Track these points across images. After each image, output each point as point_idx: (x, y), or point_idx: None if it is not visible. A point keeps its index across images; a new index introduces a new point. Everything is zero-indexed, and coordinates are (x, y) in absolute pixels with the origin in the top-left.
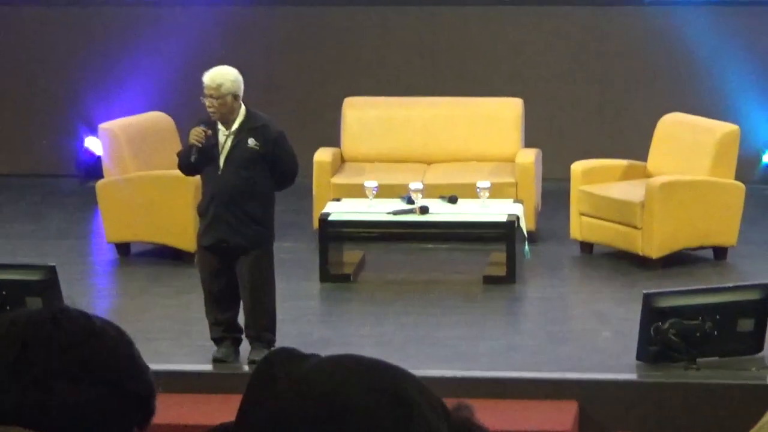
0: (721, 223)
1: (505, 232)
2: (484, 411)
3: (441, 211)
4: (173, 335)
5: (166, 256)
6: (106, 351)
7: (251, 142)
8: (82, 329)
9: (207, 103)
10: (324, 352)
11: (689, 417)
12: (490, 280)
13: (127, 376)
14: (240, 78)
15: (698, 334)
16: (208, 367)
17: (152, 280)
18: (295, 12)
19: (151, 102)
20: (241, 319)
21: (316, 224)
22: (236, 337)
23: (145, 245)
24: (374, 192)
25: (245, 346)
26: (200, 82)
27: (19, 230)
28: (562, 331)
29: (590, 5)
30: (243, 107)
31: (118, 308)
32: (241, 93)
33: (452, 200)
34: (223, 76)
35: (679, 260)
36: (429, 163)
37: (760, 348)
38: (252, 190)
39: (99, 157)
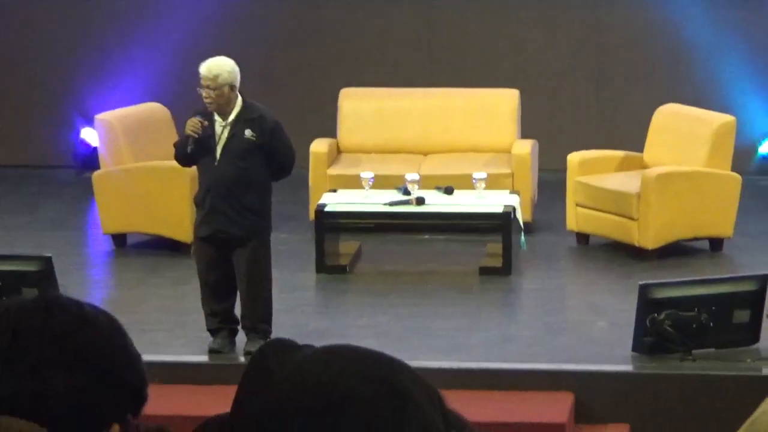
0: (717, 214)
1: (501, 223)
2: (479, 402)
3: (437, 202)
4: (169, 326)
5: (162, 247)
6: (99, 339)
7: (248, 132)
8: (75, 318)
9: (204, 94)
10: (320, 343)
11: (685, 408)
12: (486, 271)
13: (121, 364)
14: (237, 69)
15: (694, 326)
16: (204, 358)
17: (148, 271)
18: (292, 2)
19: (147, 93)
20: (237, 310)
21: (312, 215)
22: (232, 328)
23: (142, 236)
24: (370, 183)
25: (241, 337)
26: (197, 73)
27: (15, 221)
28: (557, 322)
29: None
30: (240, 98)
31: (115, 299)
32: (237, 84)
33: (448, 191)
34: (220, 66)
35: (675, 251)
36: (425, 153)
37: (756, 339)
38: (249, 181)
39: (95, 148)
